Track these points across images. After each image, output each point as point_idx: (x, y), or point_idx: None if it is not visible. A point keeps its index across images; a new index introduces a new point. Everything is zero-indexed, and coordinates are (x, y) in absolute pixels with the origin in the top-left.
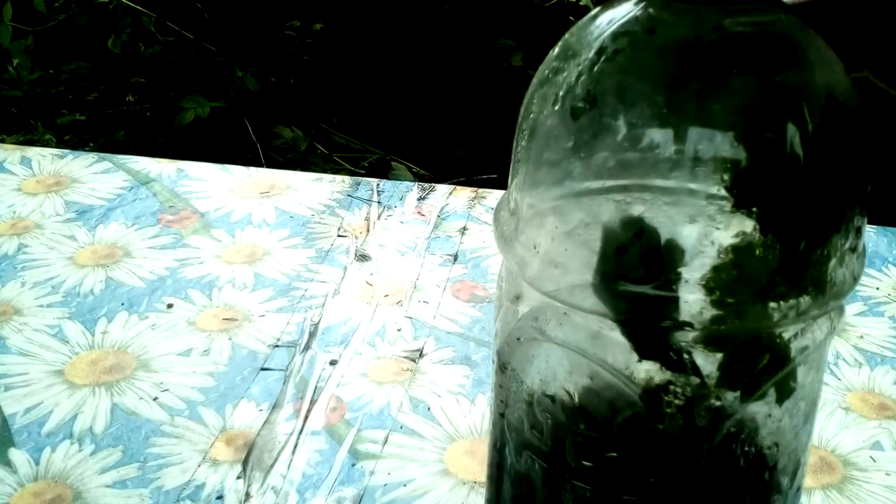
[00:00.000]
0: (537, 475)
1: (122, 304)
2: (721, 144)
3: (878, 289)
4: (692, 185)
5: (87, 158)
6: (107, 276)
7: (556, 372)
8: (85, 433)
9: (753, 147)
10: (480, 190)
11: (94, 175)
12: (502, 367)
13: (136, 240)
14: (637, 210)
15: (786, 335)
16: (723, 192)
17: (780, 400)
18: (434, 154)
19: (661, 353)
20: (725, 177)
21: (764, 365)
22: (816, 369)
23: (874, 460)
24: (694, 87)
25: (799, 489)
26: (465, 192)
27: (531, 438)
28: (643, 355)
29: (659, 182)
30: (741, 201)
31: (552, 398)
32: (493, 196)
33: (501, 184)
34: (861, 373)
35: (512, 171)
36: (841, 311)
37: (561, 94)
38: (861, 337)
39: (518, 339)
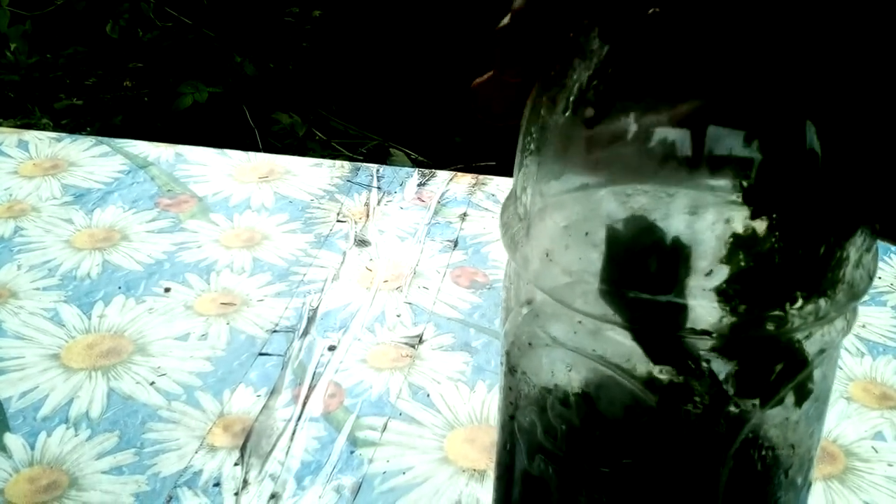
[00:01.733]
0: (551, 479)
1: (120, 288)
2: (738, 145)
3: (880, 278)
4: (711, 189)
5: (85, 142)
6: (104, 259)
7: (571, 377)
8: (81, 418)
9: (772, 147)
10: (481, 176)
11: (92, 159)
12: (511, 370)
13: (134, 223)
14: (652, 214)
15: (804, 339)
16: (741, 196)
17: (798, 403)
18: (432, 140)
19: (676, 360)
20: (743, 181)
21: (782, 370)
22: (830, 368)
23: (876, 451)
24: (710, 86)
25: (810, 485)
26: (465, 179)
27: (544, 442)
28: (657, 361)
29: (676, 185)
30: (759, 204)
31: (567, 403)
32: (494, 183)
33: (500, 171)
34: (863, 362)
35: (519, 174)
36: (855, 309)
37: (572, 98)
38: (863, 326)
39: (529, 343)
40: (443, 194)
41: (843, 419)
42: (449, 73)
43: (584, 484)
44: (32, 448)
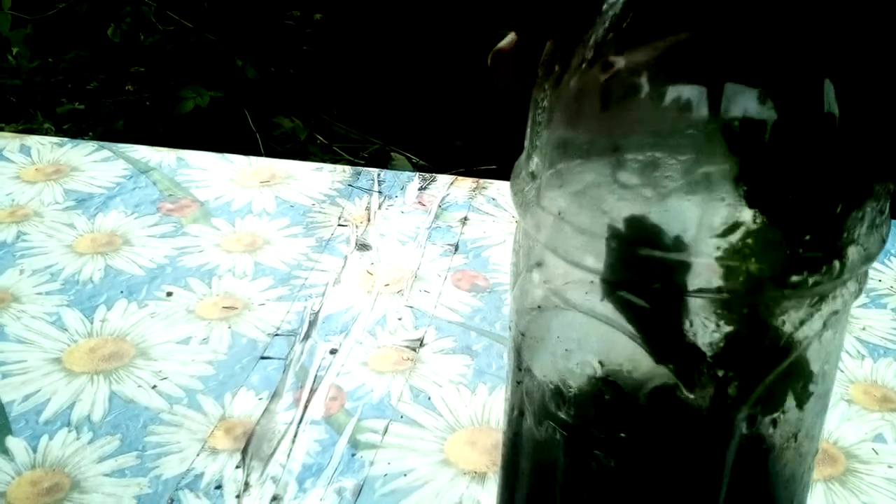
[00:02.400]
0: (558, 444)
1: (122, 292)
2: (754, 103)
3: (880, 280)
4: (724, 148)
5: (87, 147)
6: (106, 264)
7: (581, 340)
8: (83, 421)
9: (790, 105)
10: (481, 180)
11: (94, 163)
12: (520, 334)
13: (136, 228)
14: (663, 173)
15: (819, 301)
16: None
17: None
18: (433, 144)
19: (680, 353)
20: (761, 137)
21: (798, 327)
22: (840, 332)
23: (876, 453)
24: (728, 42)
25: (817, 451)
26: (465, 183)
27: (552, 407)
28: (660, 358)
29: (690, 142)
30: (775, 165)
31: (577, 367)
32: (495, 187)
33: (501, 174)
34: (864, 365)
35: (531, 134)
36: (867, 273)
37: (588, 54)
38: (864, 329)
39: (539, 307)
40: (444, 198)
41: (843, 421)
42: (450, 78)
43: (590, 448)
44: (35, 451)
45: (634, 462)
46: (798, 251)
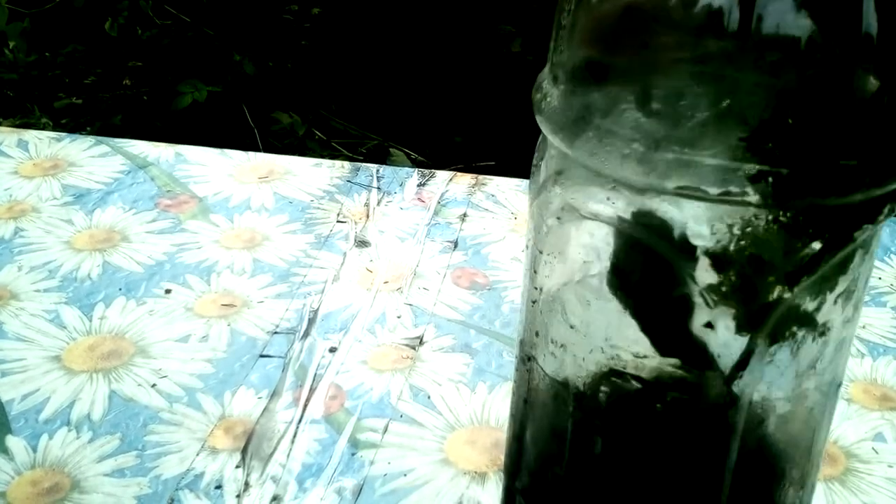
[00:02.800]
0: (566, 363)
1: (120, 290)
2: (790, 13)
3: (880, 279)
4: (755, 66)
5: (85, 142)
6: (104, 260)
7: (601, 251)
8: (83, 420)
9: (827, 15)
10: (480, 176)
11: (92, 159)
12: (537, 252)
13: (134, 224)
14: (708, 81)
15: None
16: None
17: (834, 282)
18: (432, 140)
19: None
20: (799, 49)
21: (827, 242)
22: (870, 258)
23: (876, 452)
24: None
25: (838, 391)
26: (465, 179)
27: (565, 326)
28: (664, 352)
29: (726, 47)
30: (810, 77)
31: (596, 279)
32: (494, 183)
33: (500, 171)
34: (863, 363)
35: (555, 44)
36: None
37: None
38: (863, 327)
39: (558, 219)
40: (442, 195)
41: (843, 420)
42: (449, 73)
43: (601, 370)
44: (34, 450)
45: (652, 390)
46: (830, 158)
